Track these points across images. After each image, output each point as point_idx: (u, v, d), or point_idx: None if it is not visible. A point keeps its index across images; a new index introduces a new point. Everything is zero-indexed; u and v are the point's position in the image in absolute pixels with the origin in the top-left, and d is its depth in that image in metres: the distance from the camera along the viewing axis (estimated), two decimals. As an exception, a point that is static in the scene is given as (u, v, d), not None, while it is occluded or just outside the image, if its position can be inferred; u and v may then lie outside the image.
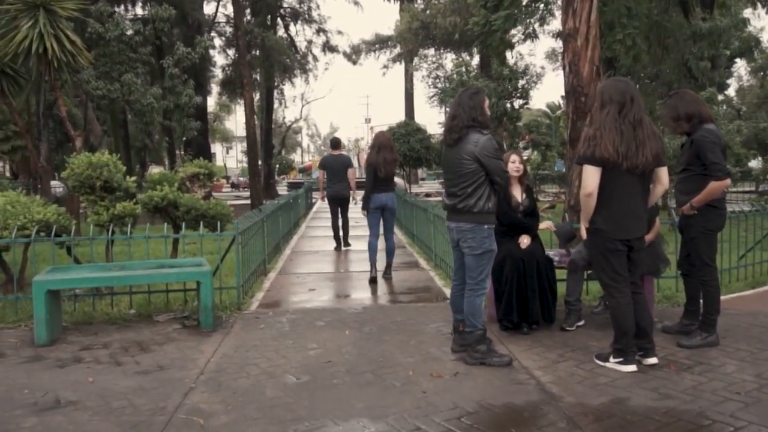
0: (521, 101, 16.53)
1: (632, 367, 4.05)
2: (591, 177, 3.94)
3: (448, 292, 6.71)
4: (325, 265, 8.80)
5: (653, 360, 4.08)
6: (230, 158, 66.98)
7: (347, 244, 10.22)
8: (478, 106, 4.23)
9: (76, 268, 5.58)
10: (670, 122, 4.56)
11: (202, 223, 6.44)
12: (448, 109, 30.12)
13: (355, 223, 11.06)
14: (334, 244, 10.24)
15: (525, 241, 5.13)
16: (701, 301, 4.70)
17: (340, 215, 10.15)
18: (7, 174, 37.60)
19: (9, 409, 3.62)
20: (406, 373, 4.13)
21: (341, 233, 10.20)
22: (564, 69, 9.83)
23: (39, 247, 7.89)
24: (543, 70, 39.32)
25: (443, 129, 4.49)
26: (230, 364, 4.39)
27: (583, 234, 5.22)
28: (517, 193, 5.29)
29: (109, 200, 6.39)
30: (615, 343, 4.12)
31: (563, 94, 9.89)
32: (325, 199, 10.35)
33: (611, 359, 4.13)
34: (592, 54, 9.21)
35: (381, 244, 7.57)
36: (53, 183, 21.21)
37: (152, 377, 4.13)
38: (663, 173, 4.07)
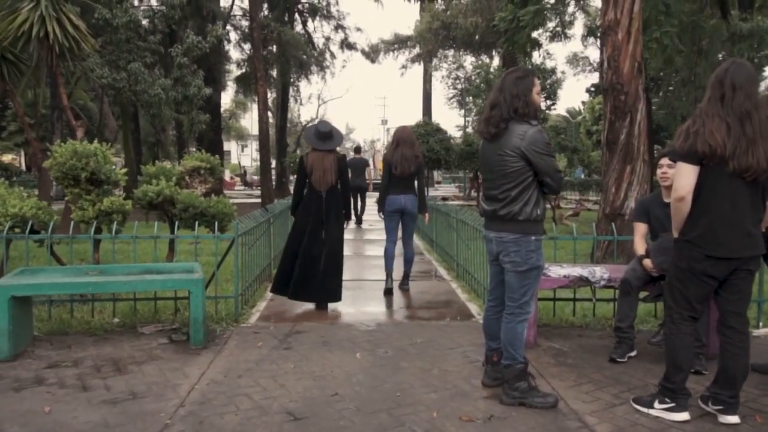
0: (548, 102, 15.63)
1: (684, 416, 3.27)
2: (685, 177, 3.12)
3: (472, 307, 5.96)
4: (336, 272, 8.05)
5: (734, 419, 3.23)
6: (245, 156, 66.64)
7: (359, 221, 13.71)
8: (522, 93, 3.41)
9: (49, 271, 4.88)
10: None
11: (197, 222, 5.74)
12: (465, 110, 29.27)
13: (369, 226, 13.34)
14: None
15: None
16: None
17: (359, 200, 13.97)
18: (23, 167, 37.30)
19: (-61, 448, 2.93)
20: (429, 414, 3.38)
21: (358, 212, 13.79)
22: (602, 65, 9.04)
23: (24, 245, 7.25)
24: (564, 75, 38.44)
25: (481, 119, 3.68)
26: (217, 393, 3.66)
27: (638, 250, 4.46)
28: None
29: (96, 194, 5.69)
30: (665, 381, 3.34)
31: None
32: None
33: (657, 404, 3.35)
34: (633, 49, 8.39)
35: (398, 249, 6.83)
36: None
37: (121, 409, 3.41)
38: None
